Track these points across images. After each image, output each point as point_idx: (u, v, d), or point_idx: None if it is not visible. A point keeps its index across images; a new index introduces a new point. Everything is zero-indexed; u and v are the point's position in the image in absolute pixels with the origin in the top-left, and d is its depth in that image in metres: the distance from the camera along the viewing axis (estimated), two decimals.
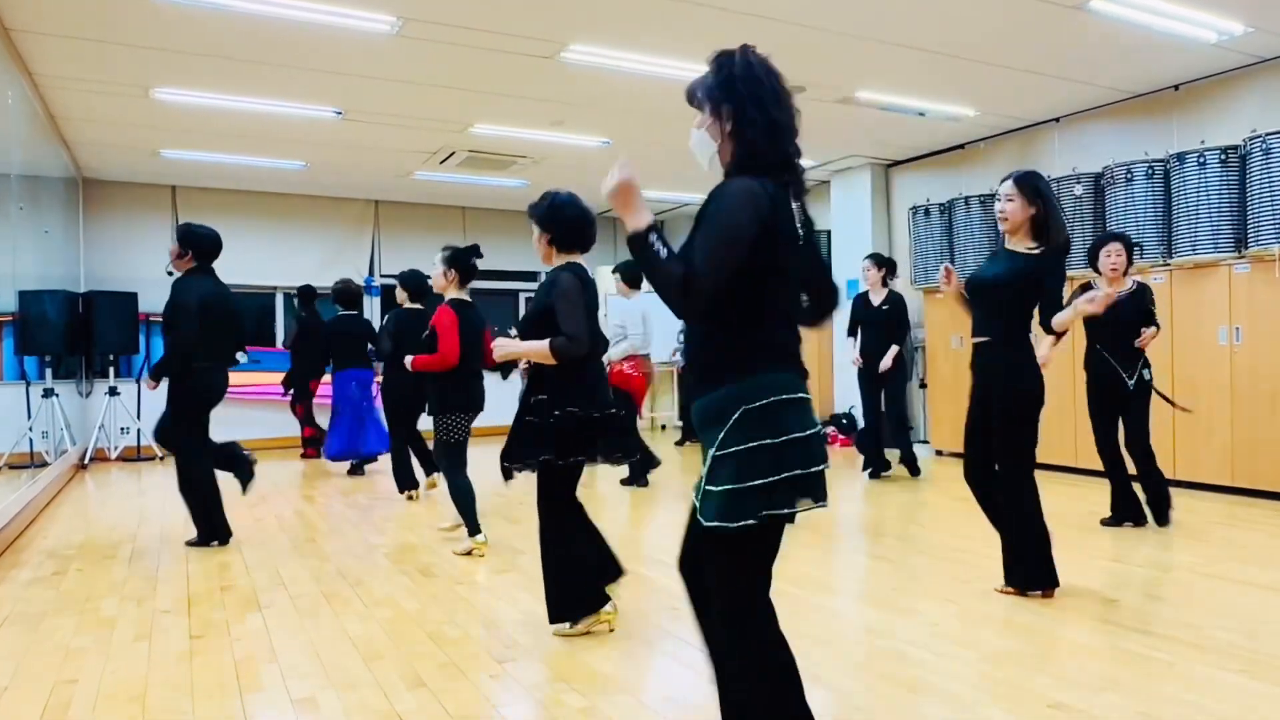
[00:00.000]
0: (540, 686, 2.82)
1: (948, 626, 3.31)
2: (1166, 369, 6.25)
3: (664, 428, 11.31)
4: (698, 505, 1.88)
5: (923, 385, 8.62)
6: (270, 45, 5.56)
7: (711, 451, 1.86)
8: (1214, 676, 2.77)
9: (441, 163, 8.74)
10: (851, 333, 7.09)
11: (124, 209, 9.54)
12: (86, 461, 8.61)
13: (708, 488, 1.84)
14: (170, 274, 5.03)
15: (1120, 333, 4.76)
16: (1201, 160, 5.99)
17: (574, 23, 5.31)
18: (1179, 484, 6.16)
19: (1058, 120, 7.53)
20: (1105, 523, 4.98)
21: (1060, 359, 5.16)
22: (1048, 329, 3.67)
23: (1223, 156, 5.93)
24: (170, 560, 4.65)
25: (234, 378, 9.36)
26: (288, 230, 10.26)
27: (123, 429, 9.07)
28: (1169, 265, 6.27)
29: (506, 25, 5.30)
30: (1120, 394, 4.85)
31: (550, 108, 7.00)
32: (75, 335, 8.28)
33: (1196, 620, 3.32)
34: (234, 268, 9.85)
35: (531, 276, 11.45)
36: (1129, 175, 6.40)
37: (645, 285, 6.47)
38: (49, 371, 7.26)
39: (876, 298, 6.94)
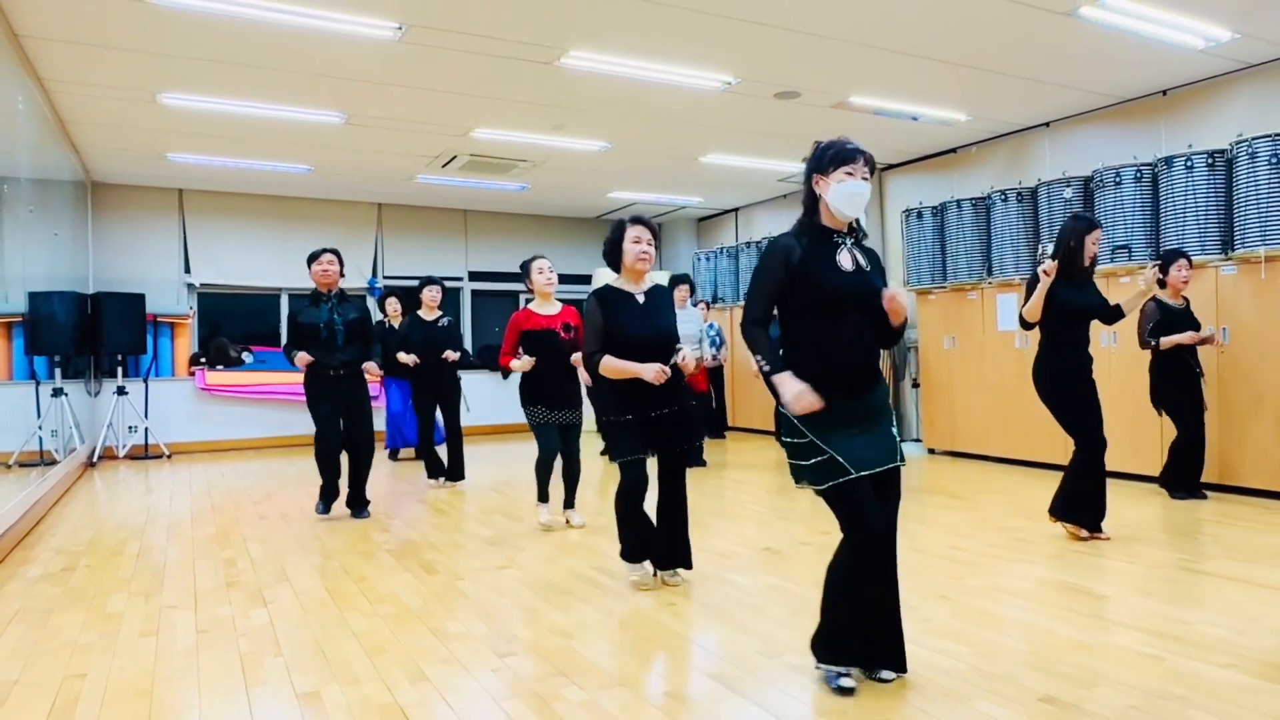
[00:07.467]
0: (541, 680, 2.83)
1: (940, 622, 3.33)
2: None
3: None
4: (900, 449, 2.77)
5: (915, 385, 8.71)
6: (275, 51, 5.62)
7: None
8: (1203, 672, 2.79)
9: (444, 166, 8.81)
10: None
11: (132, 211, 9.66)
12: (95, 460, 8.71)
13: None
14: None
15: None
16: (1189, 164, 6.07)
17: (573, 29, 5.37)
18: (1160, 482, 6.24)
19: (1048, 125, 7.62)
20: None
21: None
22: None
23: (1210, 160, 6.01)
24: (177, 557, 4.69)
25: (239, 377, 9.64)
26: (292, 232, 10.37)
27: (130, 428, 9.21)
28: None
29: (507, 31, 5.36)
30: None
31: (551, 112, 7.07)
32: (84, 335, 8.37)
33: (1186, 616, 3.35)
34: (239, 269, 10.16)
35: None
36: (1118, 179, 6.48)
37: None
38: (58, 371, 7.31)
39: None
